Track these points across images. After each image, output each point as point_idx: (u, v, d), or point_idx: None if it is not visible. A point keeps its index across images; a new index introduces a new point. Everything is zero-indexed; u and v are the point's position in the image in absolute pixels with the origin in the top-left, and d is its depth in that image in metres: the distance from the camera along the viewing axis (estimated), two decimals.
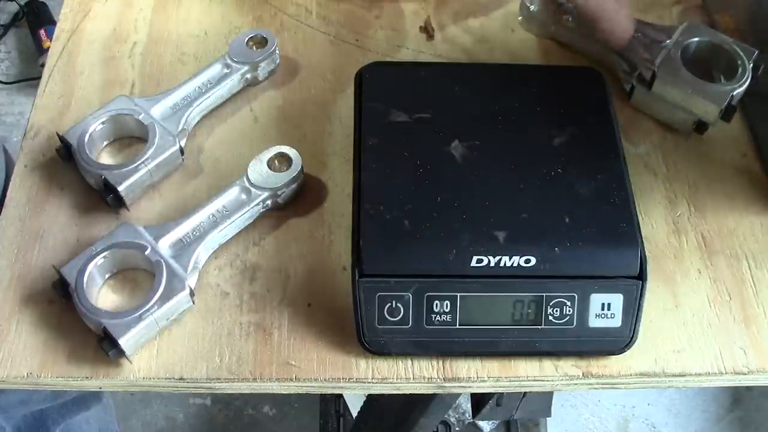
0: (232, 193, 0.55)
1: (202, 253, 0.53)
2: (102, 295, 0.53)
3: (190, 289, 0.51)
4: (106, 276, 0.53)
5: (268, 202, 0.56)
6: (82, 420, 0.99)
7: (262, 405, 1.39)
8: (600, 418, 1.42)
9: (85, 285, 0.50)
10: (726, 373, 0.52)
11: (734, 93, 0.58)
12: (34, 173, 0.59)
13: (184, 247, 0.52)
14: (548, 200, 0.52)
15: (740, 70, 0.60)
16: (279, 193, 0.55)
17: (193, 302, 0.52)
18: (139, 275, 0.54)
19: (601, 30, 0.62)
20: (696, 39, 0.61)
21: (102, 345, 0.48)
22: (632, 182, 0.54)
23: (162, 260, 0.51)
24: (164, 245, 0.52)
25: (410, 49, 0.68)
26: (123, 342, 0.48)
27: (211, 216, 0.54)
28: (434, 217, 0.50)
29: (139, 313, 0.49)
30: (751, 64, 0.60)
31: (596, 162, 0.54)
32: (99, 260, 0.51)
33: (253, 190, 0.55)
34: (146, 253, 0.51)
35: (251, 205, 0.54)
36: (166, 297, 0.50)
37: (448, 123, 0.55)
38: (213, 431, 1.37)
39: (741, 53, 0.60)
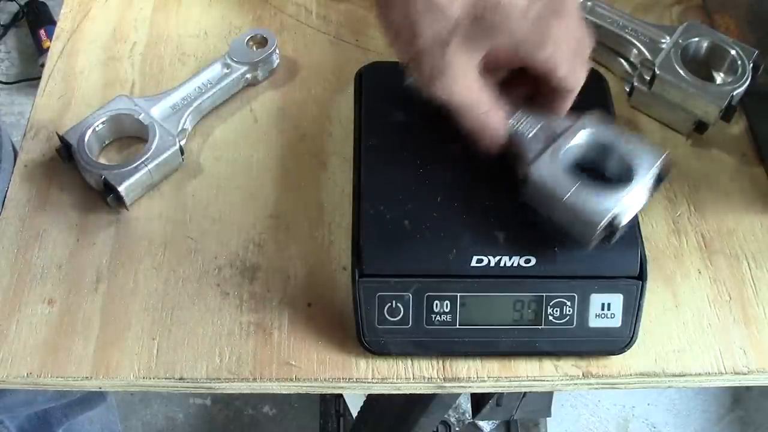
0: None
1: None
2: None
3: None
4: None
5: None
6: (85, 420, 1.00)
7: (262, 405, 1.39)
8: (600, 418, 1.42)
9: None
10: (726, 373, 0.52)
11: (734, 93, 0.58)
12: (34, 173, 0.59)
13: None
14: None
15: (740, 70, 0.59)
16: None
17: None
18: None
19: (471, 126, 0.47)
20: (696, 39, 0.61)
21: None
22: None
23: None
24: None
25: None
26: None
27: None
28: (434, 217, 0.50)
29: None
30: (751, 64, 0.60)
31: None
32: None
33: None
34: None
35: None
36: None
37: (448, 123, 0.55)
38: (213, 431, 1.37)
39: (741, 53, 0.60)
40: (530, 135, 0.50)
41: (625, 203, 0.47)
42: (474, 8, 0.41)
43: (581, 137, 0.50)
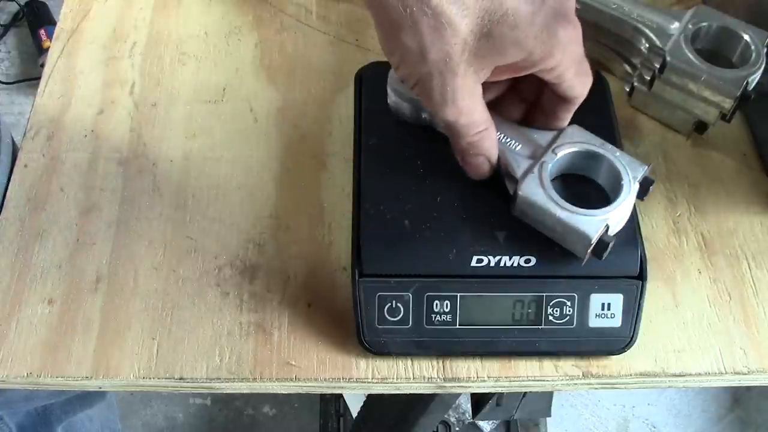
0: None
1: None
2: None
3: None
4: None
5: None
6: (85, 417, 1.00)
7: (262, 405, 1.39)
8: (600, 418, 1.42)
9: None
10: (726, 373, 0.52)
11: (749, 79, 0.56)
12: (34, 173, 0.59)
13: None
14: None
15: (753, 55, 0.57)
16: None
17: None
18: None
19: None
20: (706, 23, 0.59)
21: None
22: None
23: None
24: None
25: None
26: None
27: None
28: (434, 217, 0.50)
29: None
30: (766, 49, 0.57)
31: None
32: None
33: None
34: None
35: None
36: None
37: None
38: (213, 431, 1.37)
39: (754, 37, 0.58)
40: (516, 149, 0.50)
41: (614, 218, 0.47)
42: (481, 23, 0.41)
43: (569, 149, 0.50)
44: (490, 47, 0.41)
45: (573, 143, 0.50)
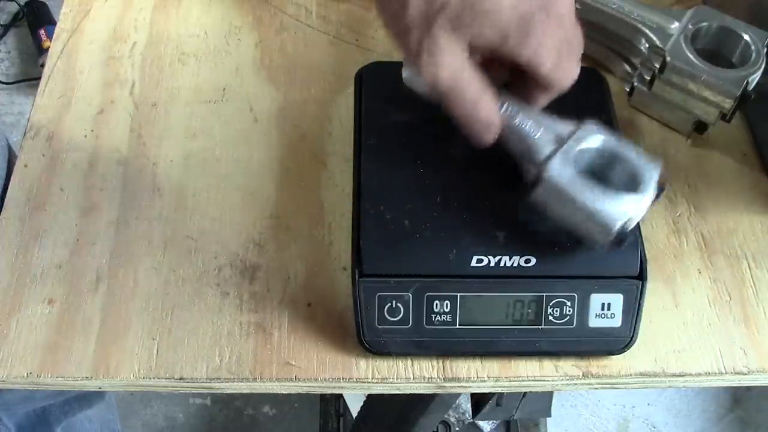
0: None
1: None
2: None
3: None
4: None
5: None
6: (84, 418, 1.00)
7: (262, 405, 1.39)
8: (600, 418, 1.42)
9: None
10: (726, 373, 0.52)
11: (749, 79, 0.56)
12: (34, 173, 0.59)
13: None
14: None
15: (753, 55, 0.57)
16: None
17: None
18: None
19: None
20: (706, 23, 0.59)
21: None
22: None
23: None
24: None
25: None
26: None
27: None
28: (434, 217, 0.50)
29: None
30: (766, 49, 0.57)
31: None
32: None
33: None
34: None
35: None
36: None
37: (448, 123, 0.55)
38: (213, 431, 1.37)
39: (754, 37, 0.58)
40: (536, 136, 0.50)
41: (638, 209, 0.46)
42: None
43: (590, 142, 0.49)
44: (468, 15, 0.43)
45: (596, 135, 0.49)
